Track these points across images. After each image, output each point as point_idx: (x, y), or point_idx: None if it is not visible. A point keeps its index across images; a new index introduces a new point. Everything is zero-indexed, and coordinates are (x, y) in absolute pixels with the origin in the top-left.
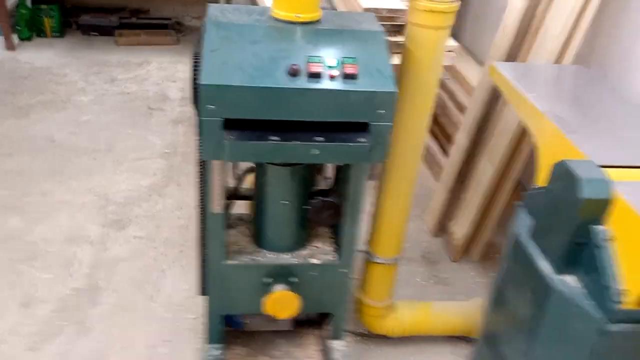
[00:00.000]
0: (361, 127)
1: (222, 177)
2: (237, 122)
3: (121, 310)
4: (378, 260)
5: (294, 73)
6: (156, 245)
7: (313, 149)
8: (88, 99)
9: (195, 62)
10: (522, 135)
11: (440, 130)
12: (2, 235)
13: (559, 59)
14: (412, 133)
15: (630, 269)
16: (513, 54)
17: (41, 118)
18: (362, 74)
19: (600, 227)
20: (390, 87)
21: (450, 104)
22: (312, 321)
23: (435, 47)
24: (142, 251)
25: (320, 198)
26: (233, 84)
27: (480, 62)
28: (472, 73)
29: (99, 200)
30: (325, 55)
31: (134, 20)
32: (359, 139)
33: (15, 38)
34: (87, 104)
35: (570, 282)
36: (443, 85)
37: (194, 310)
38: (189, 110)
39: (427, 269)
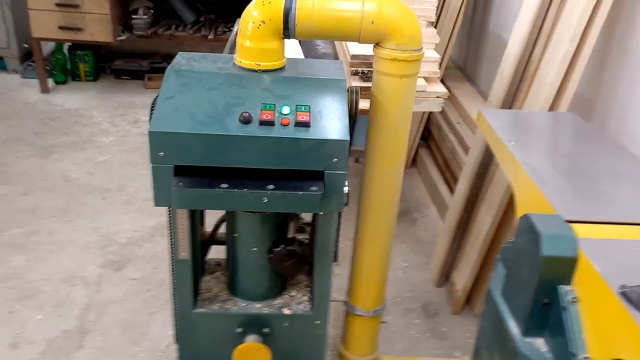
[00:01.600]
0: (315, 175)
1: (187, 222)
2: (190, 169)
3: (104, 355)
4: (358, 312)
5: (245, 120)
6: (149, 287)
7: (263, 197)
8: (109, 139)
9: (152, 109)
10: None
11: (451, 175)
12: (3, 274)
13: (553, 106)
14: (384, 180)
15: (595, 334)
16: (508, 100)
17: (61, 158)
18: (315, 121)
19: (565, 287)
20: (342, 136)
21: (459, 149)
22: None
23: (400, 95)
24: (135, 293)
25: (283, 246)
26: (181, 131)
27: None
28: None
29: (101, 240)
30: (279, 103)
31: (164, 64)
32: (311, 188)
33: (50, 82)
34: (107, 145)
35: (537, 346)
36: (454, 130)
37: (175, 357)
38: None
39: (425, 321)
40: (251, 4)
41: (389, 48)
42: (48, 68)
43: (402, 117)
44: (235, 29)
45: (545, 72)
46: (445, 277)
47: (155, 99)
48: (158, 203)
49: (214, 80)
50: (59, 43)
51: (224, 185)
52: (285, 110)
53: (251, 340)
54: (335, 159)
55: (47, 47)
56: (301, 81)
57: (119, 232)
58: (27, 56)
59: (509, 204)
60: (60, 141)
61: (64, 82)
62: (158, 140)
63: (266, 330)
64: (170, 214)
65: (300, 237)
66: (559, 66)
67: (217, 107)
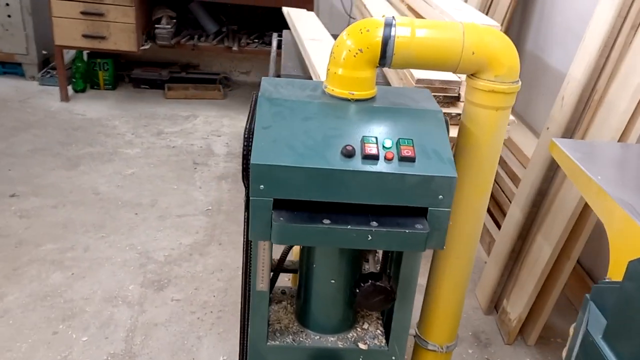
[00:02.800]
0: (418, 212)
1: (269, 254)
2: (288, 202)
3: None
4: (430, 348)
5: (348, 154)
6: (194, 309)
7: (367, 235)
8: (135, 152)
9: (247, 139)
10: (583, 212)
11: (491, 200)
12: (43, 292)
13: (623, 137)
14: (470, 214)
15: None
16: (571, 128)
17: (88, 170)
18: (420, 156)
19: None
20: (450, 172)
21: (502, 173)
22: None
23: (494, 127)
24: (179, 315)
25: (372, 281)
26: (284, 164)
27: (532, 129)
28: (525, 142)
29: (139, 258)
30: (381, 136)
31: (183, 74)
32: (416, 225)
33: (69, 89)
34: (133, 157)
35: None
36: None
37: None
38: (234, 166)
39: (479, 351)
40: (345, 31)
41: (486, 79)
42: (68, 76)
43: (494, 150)
44: (274, 44)
45: (614, 101)
46: (494, 305)
47: (247, 129)
48: (255, 237)
49: (308, 109)
50: (80, 51)
51: (327, 222)
52: (388, 143)
53: None
54: (440, 196)
55: (67, 55)
56: (397, 112)
57: (155, 249)
58: (45, 63)
59: (571, 234)
60: (86, 152)
61: (83, 90)
62: (259, 173)
63: None
64: (247, 245)
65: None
66: (632, 95)
67: (316, 138)
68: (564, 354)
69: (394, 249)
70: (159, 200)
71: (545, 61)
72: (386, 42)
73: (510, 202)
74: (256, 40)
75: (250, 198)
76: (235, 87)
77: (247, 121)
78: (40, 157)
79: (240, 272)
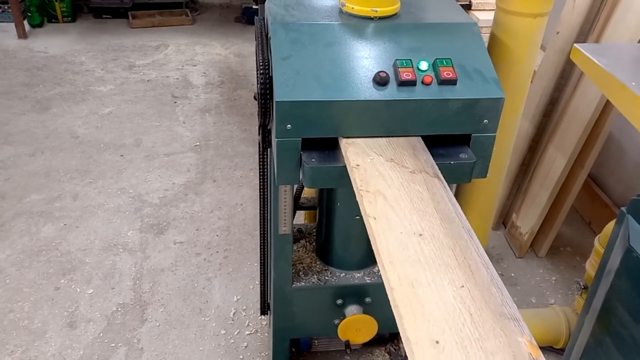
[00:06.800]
0: (460, 139)
1: (291, 197)
2: (314, 141)
3: (171, 327)
4: None
5: (382, 82)
6: (199, 250)
7: None
8: (108, 88)
9: (264, 71)
10: (598, 121)
11: None
12: (36, 247)
13: None
14: (503, 135)
15: None
16: (585, 30)
17: (61, 112)
18: (462, 77)
19: None
20: (496, 93)
21: None
22: (382, 338)
23: (531, 37)
24: (185, 258)
25: None
26: (313, 99)
27: None
28: None
29: (133, 202)
30: (415, 58)
31: (147, 0)
32: (460, 155)
33: (26, 25)
34: (107, 95)
35: None
36: None
37: (248, 324)
38: (215, 97)
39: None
40: None
41: None
42: (22, 10)
43: (530, 64)
44: None
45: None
46: (502, 220)
47: (262, 60)
48: (282, 181)
49: (329, 33)
50: None
51: None
52: (423, 65)
53: (353, 311)
54: (486, 120)
55: None
56: (427, 28)
57: (148, 192)
58: None
59: (585, 143)
60: (55, 93)
61: (40, 25)
62: (286, 111)
63: (368, 299)
64: (263, 185)
65: None
66: None
67: (343, 67)
68: (587, 265)
69: None
70: (142, 139)
71: None
72: None
73: None
74: None
75: (276, 139)
76: (202, 10)
77: (258, 50)
78: (5, 101)
79: (239, 210)
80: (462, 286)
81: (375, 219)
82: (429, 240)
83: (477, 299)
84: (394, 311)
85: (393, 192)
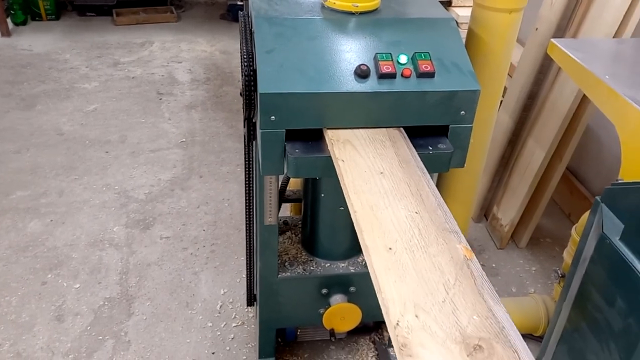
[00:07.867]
0: (438, 130)
1: (276, 187)
2: (297, 132)
3: (158, 320)
4: None
5: (363, 74)
6: (185, 245)
7: None
8: (92, 85)
9: (248, 64)
10: (575, 114)
11: None
12: (23, 243)
13: (618, 33)
14: (480, 127)
15: None
16: (562, 26)
17: (46, 109)
18: (439, 70)
19: None
20: (473, 85)
21: None
22: (366, 327)
23: (507, 32)
24: (171, 252)
25: None
26: (296, 91)
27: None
28: None
29: (119, 198)
30: (395, 51)
31: None
32: (439, 145)
33: (9, 23)
34: (92, 92)
35: None
36: None
37: (234, 317)
38: (201, 93)
39: None
40: None
41: None
42: (5, 7)
43: (506, 58)
44: None
45: None
46: (484, 213)
47: (245, 51)
48: (267, 171)
49: (312, 27)
50: None
51: None
52: (403, 59)
53: (338, 300)
54: (463, 112)
55: None
56: (407, 23)
57: (134, 188)
58: None
59: (563, 136)
60: (40, 90)
61: (24, 23)
62: (270, 103)
63: (352, 289)
64: (249, 178)
65: None
66: None
67: (326, 60)
68: (565, 254)
69: None
70: (128, 135)
71: None
72: None
73: None
74: None
75: (260, 131)
76: (187, 7)
77: (242, 44)
78: None
79: (226, 205)
80: (416, 212)
81: (343, 161)
82: (388, 177)
83: (425, 219)
84: (356, 229)
85: (360, 142)
